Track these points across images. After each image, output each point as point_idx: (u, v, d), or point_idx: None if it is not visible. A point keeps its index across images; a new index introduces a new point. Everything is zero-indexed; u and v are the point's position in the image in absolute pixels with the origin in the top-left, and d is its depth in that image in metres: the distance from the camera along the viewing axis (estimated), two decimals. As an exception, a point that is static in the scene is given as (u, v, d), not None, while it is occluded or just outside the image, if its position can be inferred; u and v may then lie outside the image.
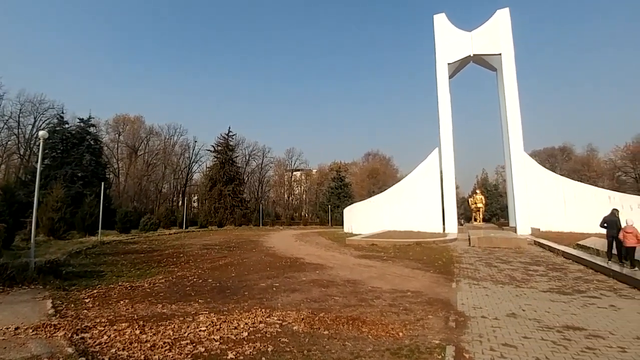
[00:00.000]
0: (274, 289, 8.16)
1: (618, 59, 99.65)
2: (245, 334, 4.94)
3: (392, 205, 29.63)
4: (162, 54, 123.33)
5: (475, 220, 34.96)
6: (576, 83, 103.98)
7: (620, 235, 10.59)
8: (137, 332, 4.91)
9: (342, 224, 33.68)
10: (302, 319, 5.62)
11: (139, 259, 13.19)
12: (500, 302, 7.05)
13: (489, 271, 10.74)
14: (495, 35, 27.44)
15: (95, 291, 7.71)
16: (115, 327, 5.12)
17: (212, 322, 5.39)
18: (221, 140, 54.14)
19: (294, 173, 76.02)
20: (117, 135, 58.92)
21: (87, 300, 6.89)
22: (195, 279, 9.35)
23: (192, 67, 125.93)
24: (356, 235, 24.04)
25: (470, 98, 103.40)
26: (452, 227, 26.53)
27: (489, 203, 50.59)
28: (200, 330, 5.01)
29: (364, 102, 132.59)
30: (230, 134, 54.74)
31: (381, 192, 33.89)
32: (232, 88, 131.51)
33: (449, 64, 28.61)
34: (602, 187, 34.18)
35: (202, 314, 5.92)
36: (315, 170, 77.36)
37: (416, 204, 28.39)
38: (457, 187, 38.74)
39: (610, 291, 8.03)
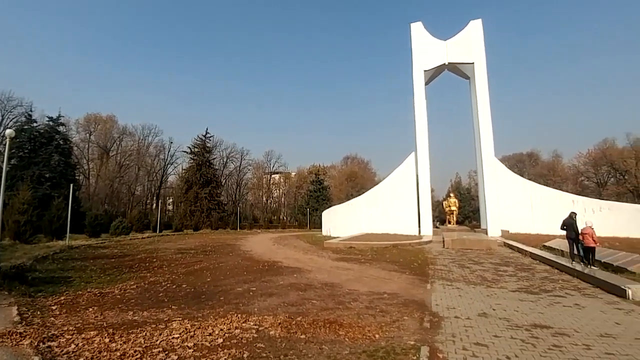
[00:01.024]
0: (251, 293, 8.03)
1: (581, 70, 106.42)
2: (220, 340, 4.82)
3: (370, 208, 30.02)
4: (137, 52, 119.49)
5: (449, 222, 36.08)
6: (543, 92, 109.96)
7: (580, 237, 11.26)
8: (107, 340, 4.73)
9: (320, 227, 33.73)
10: (279, 323, 5.57)
11: (109, 264, 12.68)
12: (472, 302, 7.29)
13: (461, 272, 11.08)
14: (469, 44, 28.58)
15: (62, 298, 7.38)
16: (83, 335, 4.92)
17: (186, 329, 5.24)
18: (198, 142, 52.94)
19: (273, 176, 75.42)
20: (87, 135, 56.27)
21: (54, 308, 6.60)
22: (168, 285, 9.08)
23: (170, 67, 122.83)
24: (334, 238, 24.13)
25: (445, 104, 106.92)
26: (428, 229, 27.21)
27: (462, 206, 52.28)
28: (173, 338, 4.86)
29: (343, 106, 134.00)
30: (208, 135, 53.67)
31: (359, 195, 34.27)
32: (210, 89, 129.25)
33: (425, 71, 29.47)
34: (567, 191, 36.12)
35: (175, 320, 5.75)
36: (294, 173, 77.12)
37: (393, 207, 28.93)
38: (432, 191, 39.77)
39: (575, 290, 8.46)
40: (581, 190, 52.55)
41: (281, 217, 69.41)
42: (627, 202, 35.19)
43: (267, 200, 73.32)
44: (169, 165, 63.98)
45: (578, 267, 10.71)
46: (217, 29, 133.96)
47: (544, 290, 8.43)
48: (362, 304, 7.05)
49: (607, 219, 22.04)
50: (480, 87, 27.47)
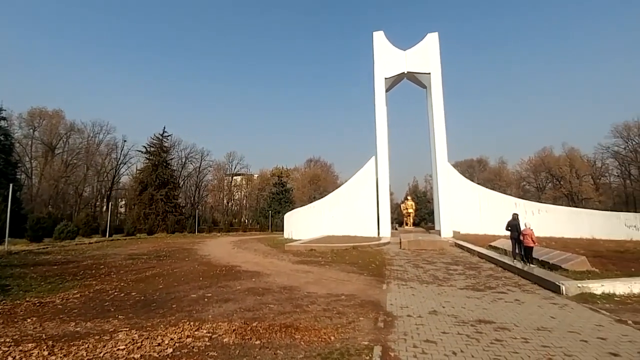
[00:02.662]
0: (206, 299, 7.75)
1: (525, 83, 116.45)
2: (170, 350, 4.62)
3: (331, 210, 30.38)
4: (89, 43, 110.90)
5: (407, 224, 37.55)
6: (493, 102, 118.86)
7: (521, 237, 12.29)
8: (45, 353, 4.43)
9: (282, 230, 33.48)
10: (234, 330, 5.43)
11: (52, 272, 11.68)
12: (424, 300, 7.63)
13: (416, 272, 11.58)
14: (426, 56, 30.10)
15: (-1, 307, 6.70)
16: (20, 347, 4.61)
17: (133, 340, 4.98)
18: (155, 141, 50.23)
19: (235, 178, 73.54)
20: (31, 130, 50.81)
21: (-11, 318, 5.98)
22: (116, 293, 8.55)
23: (126, 61, 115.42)
24: (296, 240, 24.07)
25: (405, 111, 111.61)
26: (386, 231, 28.11)
27: (419, 208, 54.71)
28: (118, 349, 4.60)
29: (307, 109, 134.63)
30: (166, 134, 51.13)
31: (322, 197, 34.53)
32: (169, 87, 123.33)
33: (385, 78, 30.53)
34: (510, 194, 39.18)
35: (121, 331, 5.45)
36: (256, 175, 75.78)
37: (354, 210, 29.52)
38: (391, 194, 41.22)
39: (516, 287, 9.17)
40: (523, 194, 57.36)
41: (242, 220, 67.85)
42: (562, 205, 38.98)
43: (228, 203, 71.27)
44: (121, 165, 59.77)
45: (519, 265, 11.64)
46: (179, 27, 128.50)
47: (488, 287, 9.05)
48: (320, 306, 7.10)
49: (544, 220, 24.25)
50: (436, 96, 29.02)
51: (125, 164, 59.99)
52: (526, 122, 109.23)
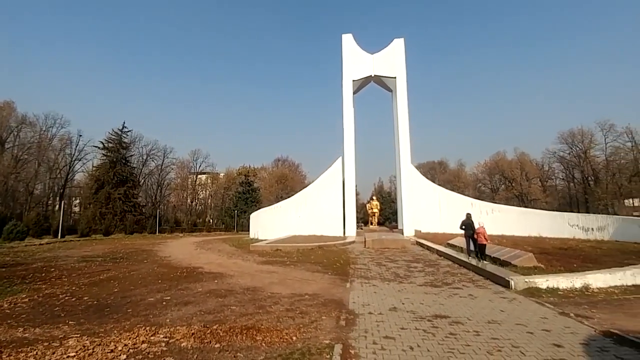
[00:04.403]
0: (164, 303, 7.44)
1: (482, 90, 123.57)
2: (124, 356, 4.41)
3: (298, 210, 30.36)
4: (43, 30, 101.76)
5: (371, 224, 38.45)
6: (454, 106, 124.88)
7: (475, 235, 13.05)
8: None
9: (248, 230, 32.93)
10: (192, 333, 5.26)
11: (-2, 275, 10.75)
12: (385, 297, 7.86)
13: (378, 270, 11.88)
14: (392, 60, 31.00)
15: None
16: None
17: (84, 347, 4.73)
18: (113, 137, 47.41)
19: (199, 176, 71.08)
20: None
21: None
22: (67, 297, 8.06)
23: (82, 51, 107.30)
24: (262, 241, 23.77)
25: (371, 113, 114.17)
26: (352, 230, 28.60)
27: (384, 208, 56.19)
28: (68, 357, 4.37)
29: (276, 109, 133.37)
30: (125, 129, 48.43)
31: (289, 197, 34.41)
32: (129, 81, 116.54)
33: (353, 80, 31.04)
34: (467, 195, 41.52)
35: (72, 337, 5.17)
36: (222, 174, 73.85)
37: (320, 209, 29.73)
38: (357, 194, 41.96)
39: (470, 282, 9.67)
40: (479, 195, 60.89)
41: (207, 220, 65.80)
42: (513, 205, 41.78)
43: (192, 202, 68.75)
44: (76, 162, 55.39)
45: (473, 261, 12.33)
46: (140, 19, 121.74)
47: (445, 284, 9.49)
48: (283, 306, 7.07)
49: (497, 219, 25.92)
50: (401, 100, 29.98)
51: (80, 160, 55.79)
52: (484, 126, 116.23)
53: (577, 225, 23.26)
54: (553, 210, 33.57)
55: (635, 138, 49.80)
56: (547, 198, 59.86)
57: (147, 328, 5.58)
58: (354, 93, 31.46)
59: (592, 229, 22.01)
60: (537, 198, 59.04)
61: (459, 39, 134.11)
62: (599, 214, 30.36)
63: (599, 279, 8.78)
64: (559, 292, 8.24)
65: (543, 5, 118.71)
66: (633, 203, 49.77)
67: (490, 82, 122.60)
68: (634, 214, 42.42)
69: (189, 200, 68.04)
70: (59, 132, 53.95)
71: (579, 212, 43.69)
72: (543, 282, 8.69)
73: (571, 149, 57.90)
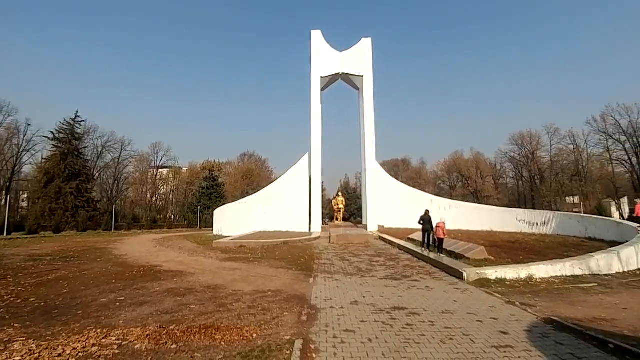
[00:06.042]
0: (118, 304, 7.07)
1: (442, 90, 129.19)
2: (72, 361, 4.14)
3: (264, 206, 30.04)
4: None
5: (337, 219, 38.97)
6: (418, 106, 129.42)
7: (435, 229, 13.73)
8: None
9: (212, 227, 32.04)
10: (147, 335, 5.06)
11: None
12: (347, 292, 8.03)
13: (342, 265, 12.12)
14: (360, 59, 31.47)
15: None
16: None
17: (30, 350, 4.47)
18: (65, 126, 43.82)
19: (160, 170, 67.73)
20: None
21: None
22: (12, 299, 7.49)
23: (34, 36, 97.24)
24: (226, 237, 23.24)
25: (339, 110, 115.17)
26: (317, 226, 28.84)
27: (349, 204, 57.22)
28: None
29: (242, 102, 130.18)
30: (78, 119, 44.93)
31: (256, 193, 33.93)
32: (82, 69, 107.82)
33: (321, 77, 31.11)
34: (428, 192, 43.27)
35: (17, 341, 4.86)
36: (185, 169, 70.93)
37: (286, 205, 29.64)
38: (323, 190, 42.28)
39: (427, 275, 10.14)
40: (438, 192, 63.87)
41: (168, 216, 63.17)
42: (469, 202, 44.29)
43: (152, 198, 65.37)
44: (24, 153, 50.41)
45: (431, 255, 12.96)
46: (97, 10, 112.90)
47: (404, 276, 9.89)
48: (245, 304, 7.00)
49: (454, 215, 27.35)
50: (367, 98, 30.56)
51: (28, 151, 50.85)
52: (444, 127, 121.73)
53: (524, 220, 25.07)
54: (504, 207, 35.95)
55: (577, 141, 54.83)
56: (499, 195, 64.22)
57: (99, 330, 5.29)
58: (322, 90, 31.56)
59: (537, 223, 23.91)
60: (490, 195, 63.09)
61: (424, 42, 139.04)
62: (544, 210, 33.10)
63: (541, 270, 9.50)
64: (507, 283, 8.85)
65: (502, 12, 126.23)
66: (573, 200, 54.66)
67: (451, 84, 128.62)
68: (574, 210, 46.74)
69: (148, 196, 64.65)
70: (5, 121, 48.81)
71: (526, 208, 47.26)
72: (492, 273, 9.26)
73: (521, 149, 62.37)
